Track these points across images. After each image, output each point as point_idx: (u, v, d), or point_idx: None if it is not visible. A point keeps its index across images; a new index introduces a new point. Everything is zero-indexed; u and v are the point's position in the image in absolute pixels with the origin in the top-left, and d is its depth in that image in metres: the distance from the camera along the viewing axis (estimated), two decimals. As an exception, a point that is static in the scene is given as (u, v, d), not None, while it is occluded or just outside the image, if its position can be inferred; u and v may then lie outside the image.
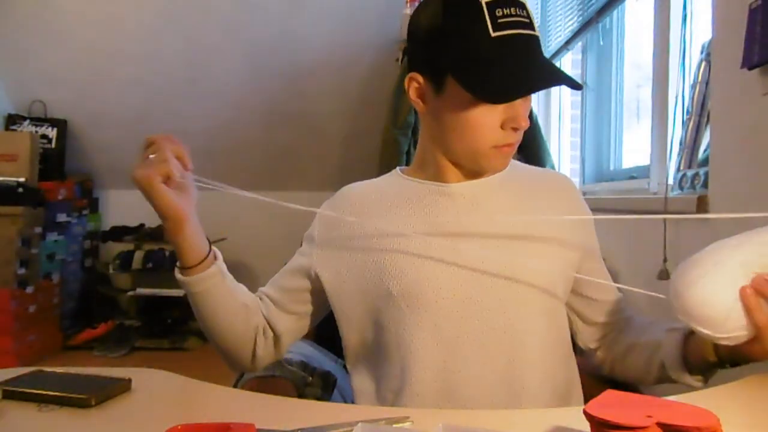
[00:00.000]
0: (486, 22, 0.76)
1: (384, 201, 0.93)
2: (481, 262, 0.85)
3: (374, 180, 1.01)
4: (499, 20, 0.76)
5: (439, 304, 0.85)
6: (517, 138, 0.84)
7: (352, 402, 0.97)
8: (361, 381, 0.94)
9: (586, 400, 0.60)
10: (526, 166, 0.99)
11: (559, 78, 0.81)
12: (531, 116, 3.05)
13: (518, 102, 0.81)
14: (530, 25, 0.79)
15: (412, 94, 0.88)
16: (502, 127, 0.82)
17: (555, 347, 0.90)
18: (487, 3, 0.77)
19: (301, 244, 1.02)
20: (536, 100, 3.15)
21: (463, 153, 0.87)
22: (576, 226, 0.92)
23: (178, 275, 0.91)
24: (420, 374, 0.85)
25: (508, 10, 0.77)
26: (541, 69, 0.80)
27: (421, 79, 0.86)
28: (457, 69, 0.79)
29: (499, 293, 0.85)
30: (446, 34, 0.80)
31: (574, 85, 0.80)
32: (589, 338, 0.97)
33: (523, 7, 0.79)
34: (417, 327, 0.85)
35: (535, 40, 0.80)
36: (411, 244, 0.87)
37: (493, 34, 0.76)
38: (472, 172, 0.90)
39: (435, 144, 0.90)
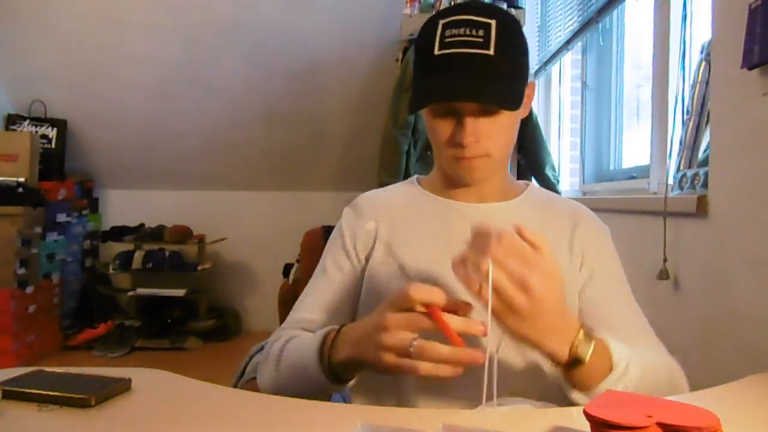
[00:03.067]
0: (436, 40, 0.83)
1: (402, 213, 0.96)
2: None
3: (392, 188, 1.03)
4: (446, 40, 0.82)
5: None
6: (475, 152, 0.86)
7: (352, 402, 0.97)
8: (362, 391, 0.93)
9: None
10: (550, 194, 1.01)
11: (468, 95, 0.82)
12: (531, 116, 3.04)
13: (465, 122, 0.84)
14: (481, 44, 0.81)
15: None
16: (451, 138, 0.86)
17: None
18: (443, 23, 0.83)
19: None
20: (536, 100, 3.15)
21: (442, 163, 0.93)
22: (576, 257, 0.92)
23: (329, 381, 0.79)
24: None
25: (457, 30, 0.82)
26: (456, 85, 0.82)
27: None
28: (413, 82, 0.91)
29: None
30: (415, 51, 0.90)
31: (491, 101, 0.83)
32: None
33: (480, 26, 0.81)
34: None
35: (478, 57, 0.81)
36: (421, 261, 0.90)
37: (436, 53, 0.83)
38: (464, 185, 0.93)
39: (436, 156, 0.96)
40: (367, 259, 0.95)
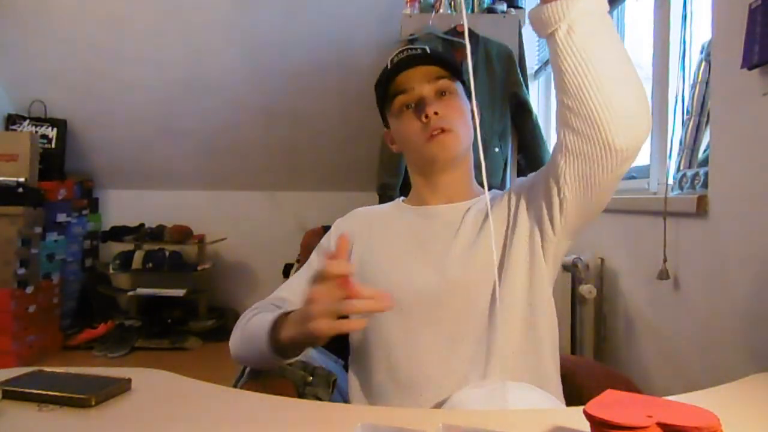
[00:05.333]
0: (387, 65, 1.06)
1: (379, 222, 1.11)
2: (450, 270, 0.98)
3: (381, 205, 1.20)
4: (395, 60, 1.05)
5: (409, 303, 0.97)
6: (440, 124, 1.00)
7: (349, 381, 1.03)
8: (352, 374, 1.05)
9: (586, 401, 0.59)
10: (498, 193, 1.11)
11: (418, 62, 1.03)
12: (531, 116, 3.02)
13: (425, 98, 1.01)
14: (421, 53, 1.04)
15: (389, 143, 1.13)
16: (420, 121, 1.01)
17: (528, 337, 0.95)
18: (391, 58, 1.06)
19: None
20: (536, 101, 3.15)
21: (416, 157, 1.07)
22: (511, 209, 1.01)
23: (274, 354, 0.90)
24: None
25: (402, 54, 1.05)
26: (408, 62, 1.03)
27: (386, 129, 1.13)
28: (379, 106, 1.12)
29: (459, 293, 0.97)
30: (376, 88, 1.10)
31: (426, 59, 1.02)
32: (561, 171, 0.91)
33: (416, 48, 1.05)
34: (393, 325, 0.98)
35: (422, 56, 1.04)
36: (398, 258, 1.03)
37: (389, 67, 1.05)
38: (439, 177, 1.06)
39: (411, 169, 1.11)
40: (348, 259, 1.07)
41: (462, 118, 1.04)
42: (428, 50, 1.05)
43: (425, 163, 1.05)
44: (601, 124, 0.81)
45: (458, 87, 1.06)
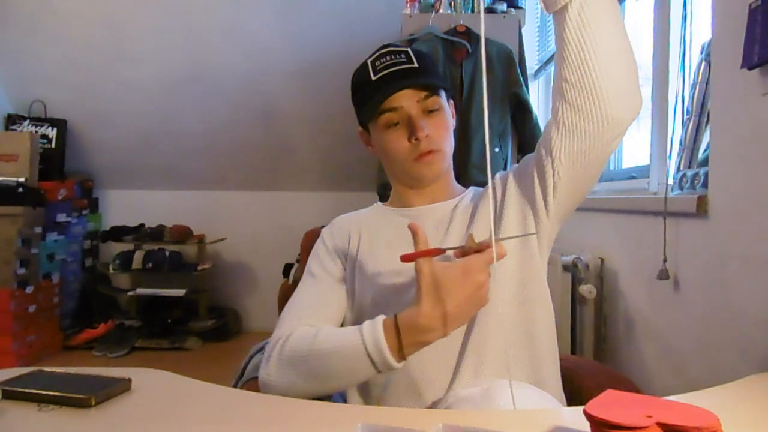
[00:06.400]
0: (369, 73, 1.04)
1: (368, 226, 1.10)
2: None
3: (361, 210, 1.17)
4: (378, 68, 1.03)
5: (407, 303, 0.91)
6: (429, 146, 0.99)
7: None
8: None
9: (586, 401, 0.59)
10: (479, 189, 1.13)
11: (410, 84, 0.99)
12: (531, 116, 3.01)
13: (415, 120, 0.99)
14: (405, 62, 1.02)
15: (364, 143, 1.12)
16: (409, 141, 1.00)
17: (520, 335, 0.95)
18: (371, 61, 1.05)
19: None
20: (536, 100, 3.15)
21: (399, 171, 1.06)
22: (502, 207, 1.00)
23: (393, 362, 0.83)
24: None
25: (384, 59, 1.03)
26: (398, 81, 1.00)
27: (361, 129, 1.11)
28: (358, 111, 1.09)
29: None
30: (354, 92, 1.09)
31: (423, 86, 1.00)
32: (554, 144, 0.92)
33: (400, 53, 1.04)
34: None
35: (407, 69, 1.01)
36: (387, 261, 1.01)
37: (373, 79, 1.02)
38: (422, 188, 1.06)
39: (392, 177, 1.10)
40: (345, 262, 1.07)
41: (447, 134, 1.04)
42: (412, 56, 1.02)
43: (410, 179, 1.06)
44: (601, 97, 0.83)
45: (443, 98, 1.04)
